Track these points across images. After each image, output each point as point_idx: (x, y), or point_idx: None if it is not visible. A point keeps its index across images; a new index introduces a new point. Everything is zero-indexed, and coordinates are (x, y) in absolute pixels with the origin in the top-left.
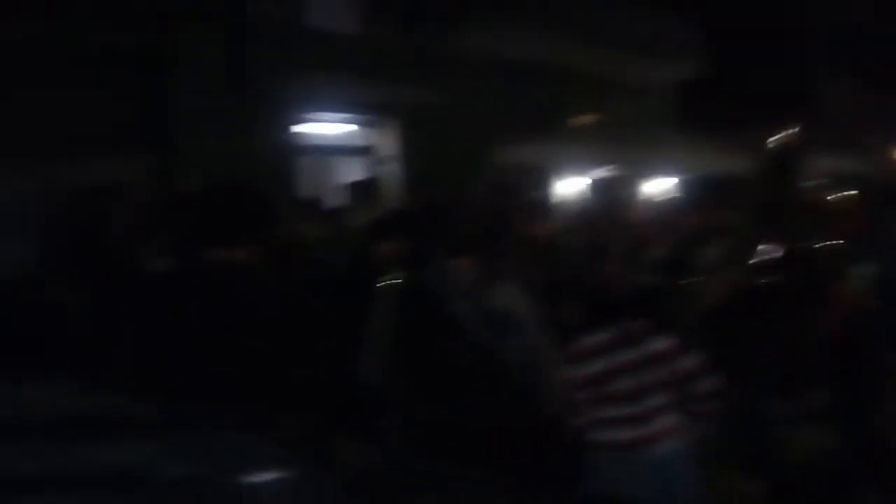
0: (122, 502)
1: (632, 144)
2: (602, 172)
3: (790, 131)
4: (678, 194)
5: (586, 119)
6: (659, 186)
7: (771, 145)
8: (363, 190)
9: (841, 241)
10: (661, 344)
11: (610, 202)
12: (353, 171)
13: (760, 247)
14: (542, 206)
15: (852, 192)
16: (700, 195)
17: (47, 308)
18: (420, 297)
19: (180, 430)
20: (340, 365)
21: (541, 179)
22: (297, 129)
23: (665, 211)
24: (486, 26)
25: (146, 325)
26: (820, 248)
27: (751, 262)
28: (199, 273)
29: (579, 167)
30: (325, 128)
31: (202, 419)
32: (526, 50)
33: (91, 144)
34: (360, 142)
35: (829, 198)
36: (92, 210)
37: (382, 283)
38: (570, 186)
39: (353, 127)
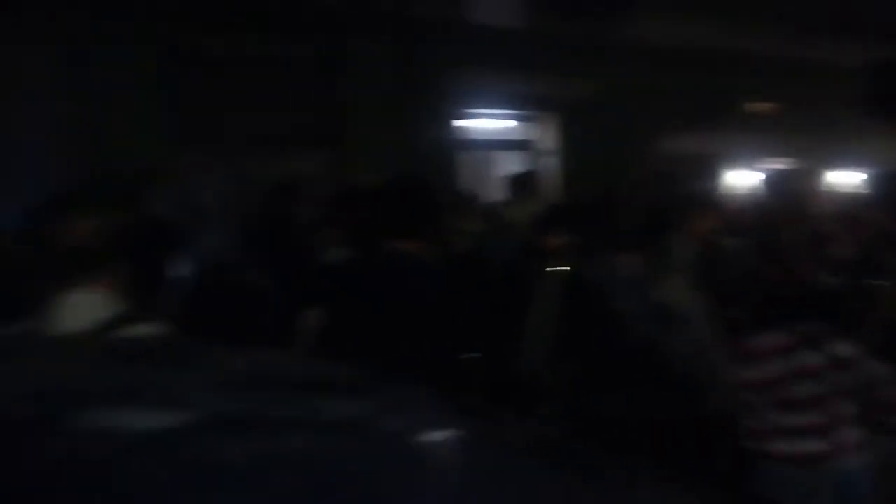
0: (353, 446)
1: (814, 133)
2: (781, 163)
3: None
4: (866, 189)
5: (763, 106)
6: (844, 179)
7: None
8: (523, 183)
9: None
10: (845, 349)
11: (788, 195)
12: (513, 165)
13: None
14: (710, 199)
15: None
16: (891, 190)
17: (248, 290)
18: (583, 290)
19: (388, 392)
20: (505, 354)
21: (711, 170)
22: (460, 123)
23: (851, 207)
24: (651, 13)
25: (333, 308)
26: None
27: None
28: (376, 262)
29: (755, 157)
30: (485, 122)
31: (401, 384)
32: (694, 35)
33: (279, 144)
34: (520, 136)
35: None
36: (280, 204)
37: (546, 276)
38: (744, 178)
39: (513, 121)
